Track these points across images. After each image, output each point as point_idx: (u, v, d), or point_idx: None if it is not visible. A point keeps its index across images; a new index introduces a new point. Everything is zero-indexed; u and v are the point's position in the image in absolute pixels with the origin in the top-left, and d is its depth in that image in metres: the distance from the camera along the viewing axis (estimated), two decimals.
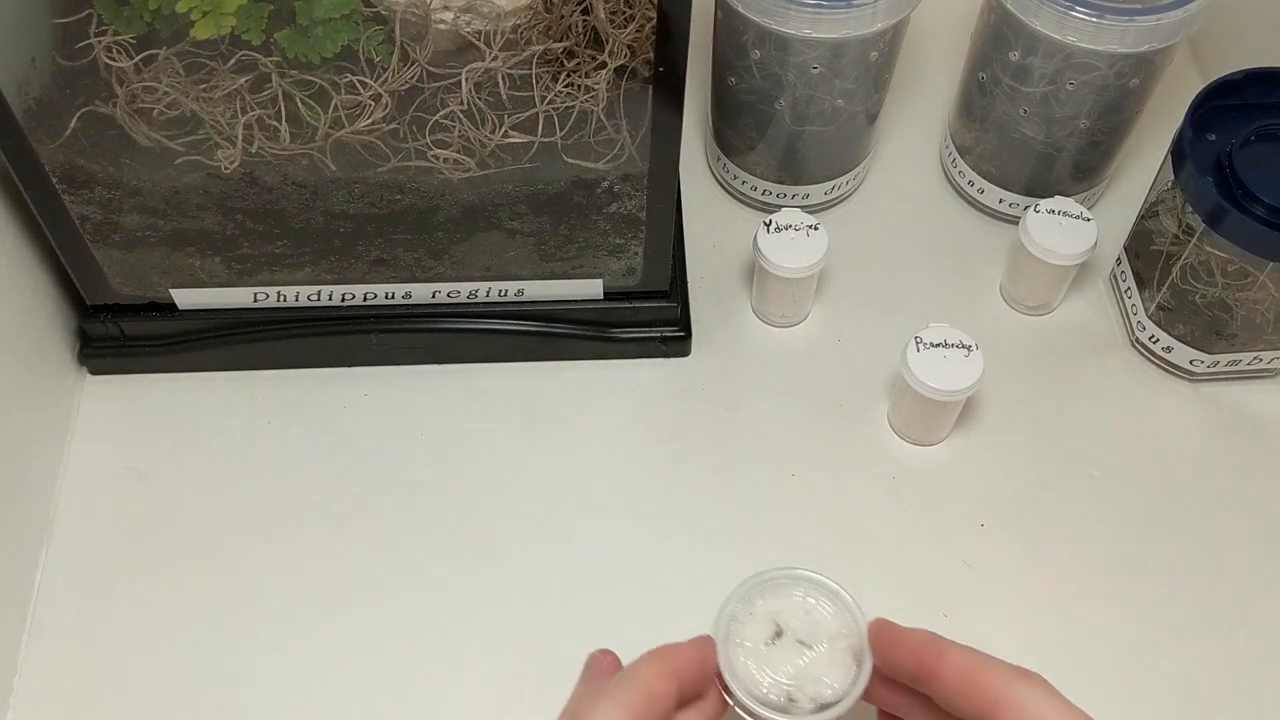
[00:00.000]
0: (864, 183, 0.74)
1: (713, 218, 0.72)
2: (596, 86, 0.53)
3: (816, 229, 0.63)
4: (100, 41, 0.50)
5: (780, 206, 0.67)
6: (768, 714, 0.45)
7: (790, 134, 0.66)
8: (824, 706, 0.45)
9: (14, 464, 0.57)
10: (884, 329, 0.67)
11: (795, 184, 0.70)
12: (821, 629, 0.47)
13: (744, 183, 0.71)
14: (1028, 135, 0.66)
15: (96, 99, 0.52)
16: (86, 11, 0.50)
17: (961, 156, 0.72)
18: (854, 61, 0.62)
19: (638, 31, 0.51)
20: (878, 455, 0.63)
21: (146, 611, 0.57)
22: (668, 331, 0.65)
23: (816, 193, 0.70)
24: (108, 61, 0.51)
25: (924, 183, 0.74)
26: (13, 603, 0.56)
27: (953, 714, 0.43)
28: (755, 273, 0.66)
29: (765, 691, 0.46)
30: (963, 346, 0.59)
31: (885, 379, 0.65)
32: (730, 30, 0.63)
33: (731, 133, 0.69)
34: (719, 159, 0.72)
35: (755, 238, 0.63)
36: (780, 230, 0.63)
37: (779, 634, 0.47)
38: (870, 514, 0.61)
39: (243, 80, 0.51)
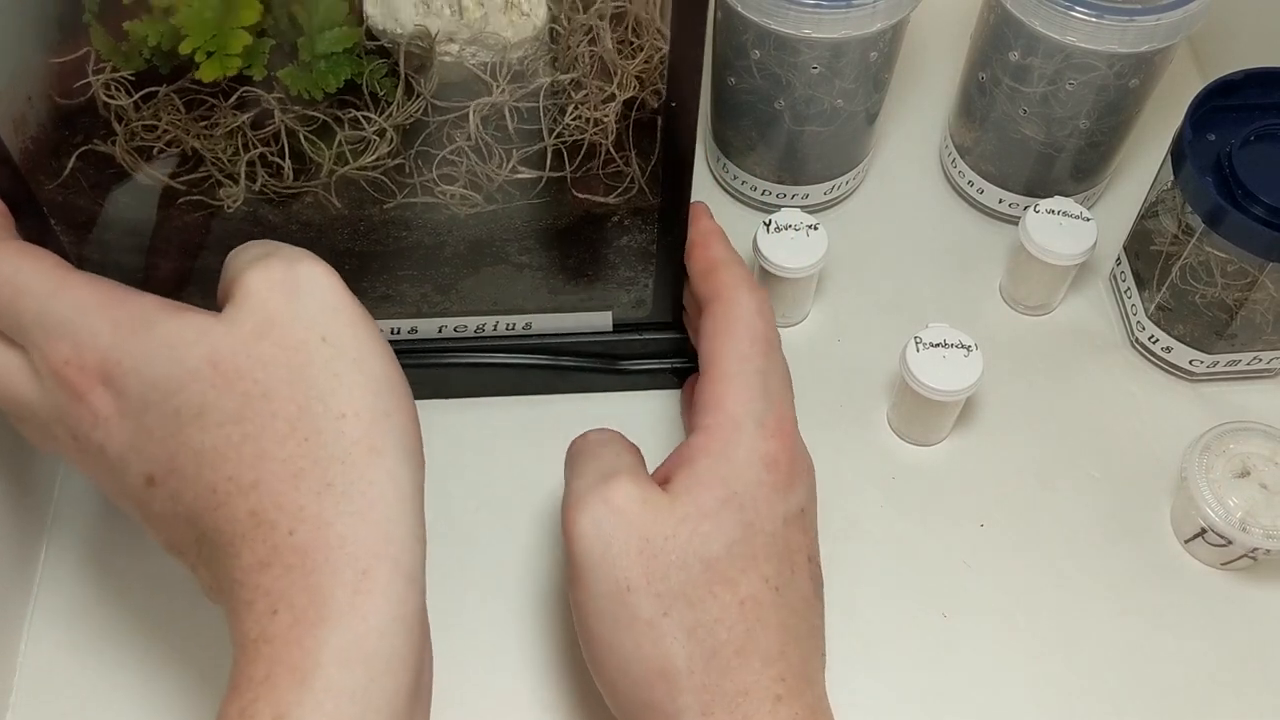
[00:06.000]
0: (864, 183, 0.74)
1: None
2: (605, 119, 0.51)
3: (816, 229, 0.63)
4: (98, 79, 0.49)
5: (780, 206, 0.67)
6: None
7: (790, 134, 0.66)
8: None
9: (14, 464, 0.57)
10: (884, 329, 0.67)
11: (795, 184, 0.70)
12: None
13: (744, 183, 0.71)
14: (1027, 135, 0.66)
15: (95, 138, 0.50)
16: (85, 49, 0.49)
17: (961, 156, 0.72)
18: (854, 61, 0.62)
19: (646, 62, 0.50)
20: (878, 455, 0.63)
21: (146, 612, 0.57)
22: (678, 363, 0.63)
23: (816, 193, 0.70)
24: (106, 99, 0.49)
25: (924, 183, 0.74)
26: (12, 602, 0.56)
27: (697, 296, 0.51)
28: (755, 273, 0.65)
29: None
30: (963, 346, 0.59)
31: (885, 379, 0.65)
32: (730, 30, 0.63)
33: (731, 133, 0.69)
34: (719, 159, 0.72)
35: (755, 238, 0.63)
36: (780, 230, 0.63)
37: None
38: (870, 514, 0.61)
39: (245, 117, 0.50)
